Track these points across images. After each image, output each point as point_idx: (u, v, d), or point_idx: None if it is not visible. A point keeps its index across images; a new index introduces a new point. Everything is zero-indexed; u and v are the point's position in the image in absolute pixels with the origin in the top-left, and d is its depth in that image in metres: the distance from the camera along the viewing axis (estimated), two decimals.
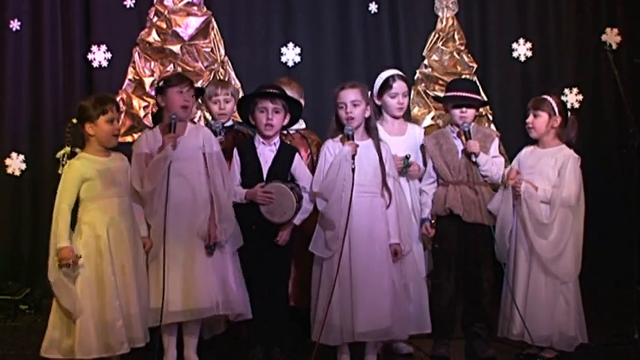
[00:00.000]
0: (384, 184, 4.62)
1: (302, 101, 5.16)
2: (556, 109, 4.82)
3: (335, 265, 4.48)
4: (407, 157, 4.90)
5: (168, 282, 4.44)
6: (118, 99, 6.65)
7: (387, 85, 5.06)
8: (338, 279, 4.46)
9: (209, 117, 5.86)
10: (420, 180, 5.04)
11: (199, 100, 5.30)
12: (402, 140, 4.98)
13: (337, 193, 4.51)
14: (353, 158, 4.49)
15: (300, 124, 5.23)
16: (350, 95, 4.64)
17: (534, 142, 4.91)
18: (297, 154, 4.85)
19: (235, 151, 4.83)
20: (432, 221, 4.94)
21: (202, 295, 4.50)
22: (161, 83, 4.69)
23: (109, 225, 4.32)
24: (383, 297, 4.50)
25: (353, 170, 4.48)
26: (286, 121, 4.86)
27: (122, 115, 6.70)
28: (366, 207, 4.56)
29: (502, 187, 4.83)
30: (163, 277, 4.42)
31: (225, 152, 4.88)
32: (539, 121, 4.83)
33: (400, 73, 5.19)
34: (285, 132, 5.02)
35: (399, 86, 5.06)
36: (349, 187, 4.48)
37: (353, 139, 4.58)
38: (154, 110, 6.17)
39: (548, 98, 4.89)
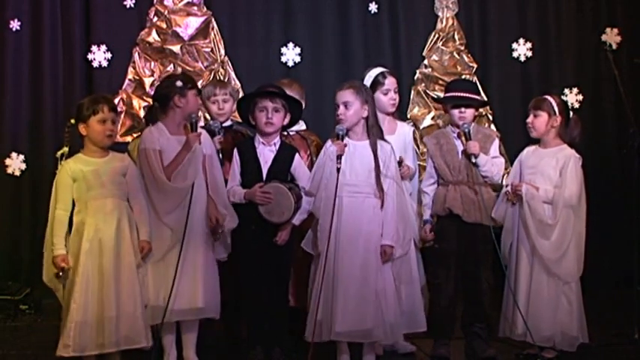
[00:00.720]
0: (378, 184, 4.56)
1: (303, 102, 5.15)
2: (556, 109, 4.82)
3: (322, 264, 4.48)
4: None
5: (178, 281, 4.43)
6: (117, 99, 6.65)
7: (377, 82, 5.04)
8: (323, 278, 4.44)
9: (208, 117, 5.86)
10: (412, 180, 5.05)
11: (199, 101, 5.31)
12: (392, 139, 4.93)
13: (321, 192, 4.53)
14: (339, 158, 4.48)
15: (301, 125, 5.22)
16: (342, 96, 4.61)
17: (536, 142, 4.91)
18: (297, 154, 4.85)
19: (235, 151, 4.83)
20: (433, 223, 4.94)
21: (205, 295, 4.51)
22: (179, 83, 4.62)
23: (90, 226, 4.28)
24: (365, 299, 4.45)
25: (338, 170, 4.47)
26: (286, 120, 4.86)
27: (122, 115, 6.70)
28: (357, 207, 4.53)
29: (505, 201, 4.83)
30: (175, 274, 4.41)
31: (224, 152, 4.89)
32: (539, 121, 4.83)
33: (387, 69, 5.18)
34: (285, 133, 5.02)
35: (390, 82, 5.06)
36: (334, 186, 4.47)
37: (343, 139, 4.56)
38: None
39: (549, 98, 4.89)
